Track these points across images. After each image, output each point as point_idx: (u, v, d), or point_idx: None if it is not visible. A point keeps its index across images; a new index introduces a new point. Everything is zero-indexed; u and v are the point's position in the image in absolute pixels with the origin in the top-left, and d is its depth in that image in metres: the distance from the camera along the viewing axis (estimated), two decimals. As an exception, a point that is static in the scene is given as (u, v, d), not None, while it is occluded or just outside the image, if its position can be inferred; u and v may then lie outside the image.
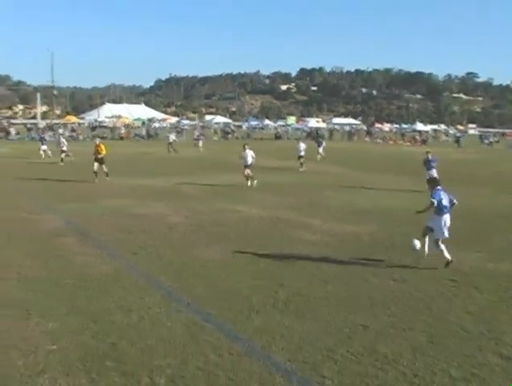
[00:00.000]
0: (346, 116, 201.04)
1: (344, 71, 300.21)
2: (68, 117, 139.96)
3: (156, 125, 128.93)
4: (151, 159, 44.73)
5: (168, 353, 7.78)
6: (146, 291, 10.55)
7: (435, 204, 12.36)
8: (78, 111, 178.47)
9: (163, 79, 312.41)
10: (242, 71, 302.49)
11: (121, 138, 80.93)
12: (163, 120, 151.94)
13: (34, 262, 12.61)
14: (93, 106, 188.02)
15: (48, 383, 6.93)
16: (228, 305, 9.80)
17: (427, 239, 12.94)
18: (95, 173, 27.74)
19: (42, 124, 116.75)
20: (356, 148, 68.89)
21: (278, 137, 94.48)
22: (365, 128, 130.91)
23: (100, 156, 28.48)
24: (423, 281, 11.56)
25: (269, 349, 7.96)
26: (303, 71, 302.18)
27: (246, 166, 26.76)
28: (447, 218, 12.48)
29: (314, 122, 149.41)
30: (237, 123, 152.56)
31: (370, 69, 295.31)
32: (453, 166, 39.65)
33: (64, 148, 39.26)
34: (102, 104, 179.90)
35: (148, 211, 19.51)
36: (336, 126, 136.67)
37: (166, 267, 12.28)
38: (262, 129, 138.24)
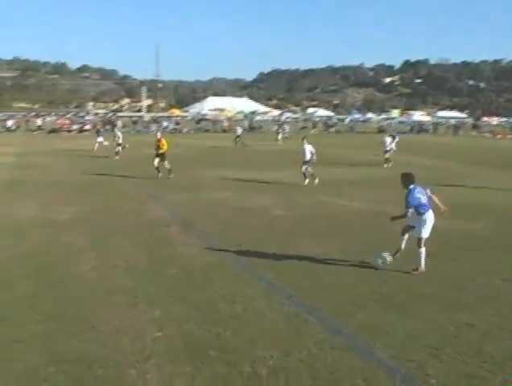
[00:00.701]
0: (452, 109, 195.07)
1: (451, 62, 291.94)
2: (172, 110, 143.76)
3: (258, 117, 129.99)
4: (248, 152, 45.29)
5: (271, 345, 7.82)
6: (249, 283, 10.67)
7: (410, 211, 11.37)
8: (182, 104, 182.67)
9: (266, 72, 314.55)
10: (345, 64, 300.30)
11: (224, 131, 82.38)
12: (265, 113, 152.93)
13: (140, 251, 13.03)
14: (196, 99, 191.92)
15: (154, 368, 7.12)
16: (331, 299, 9.76)
17: (406, 236, 12.11)
18: (157, 168, 26.92)
19: (147, 117, 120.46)
20: (461, 142, 66.88)
21: (381, 130, 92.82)
22: (471, 121, 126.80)
23: (161, 151, 27.13)
24: (535, 280, 11.08)
25: (372, 345, 7.85)
26: (406, 63, 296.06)
27: (305, 162, 25.36)
28: (430, 215, 11.46)
29: (418, 115, 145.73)
30: (340, 116, 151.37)
31: (478, 60, 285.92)
32: None
33: (120, 141, 38.75)
34: (205, 97, 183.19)
35: (249, 204, 19.73)
36: (441, 120, 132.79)
37: (269, 260, 12.34)
38: (365, 122, 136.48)
